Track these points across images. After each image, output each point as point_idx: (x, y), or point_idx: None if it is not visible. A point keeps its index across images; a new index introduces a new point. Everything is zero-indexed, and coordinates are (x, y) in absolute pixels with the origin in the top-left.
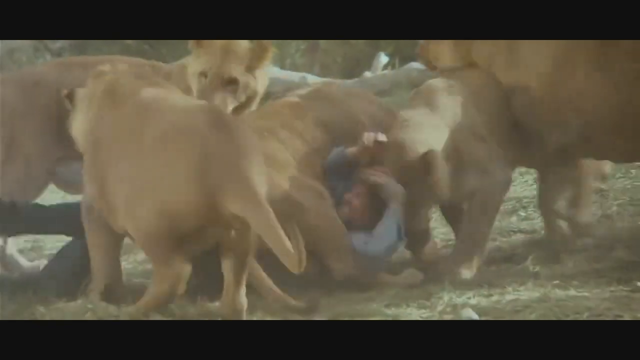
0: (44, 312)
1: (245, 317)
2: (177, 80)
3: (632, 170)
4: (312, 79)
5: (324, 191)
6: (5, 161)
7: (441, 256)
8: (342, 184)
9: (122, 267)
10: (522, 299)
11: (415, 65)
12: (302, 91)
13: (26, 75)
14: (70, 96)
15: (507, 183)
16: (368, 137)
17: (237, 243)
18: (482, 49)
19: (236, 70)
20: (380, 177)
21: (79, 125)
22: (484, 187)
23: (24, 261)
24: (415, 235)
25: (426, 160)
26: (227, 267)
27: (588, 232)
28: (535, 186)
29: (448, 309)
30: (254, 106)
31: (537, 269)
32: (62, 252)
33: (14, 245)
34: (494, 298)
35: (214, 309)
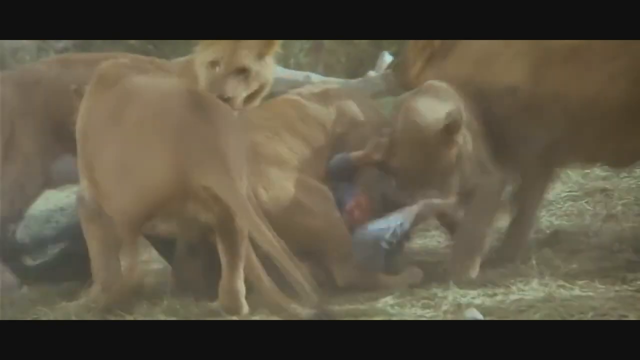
0: (47, 312)
1: (243, 303)
2: (180, 75)
3: (637, 170)
4: (316, 79)
5: (329, 193)
6: (4, 160)
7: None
8: (343, 187)
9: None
10: (526, 298)
11: None
12: (303, 91)
13: (26, 73)
14: (78, 92)
15: (504, 182)
16: (378, 143)
17: (225, 226)
18: (461, 61)
19: (247, 58)
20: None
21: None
22: (484, 185)
23: (28, 259)
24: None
25: (449, 122)
26: (221, 251)
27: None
28: None
29: (452, 309)
30: (264, 93)
31: (542, 268)
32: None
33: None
34: (498, 298)
35: (217, 309)
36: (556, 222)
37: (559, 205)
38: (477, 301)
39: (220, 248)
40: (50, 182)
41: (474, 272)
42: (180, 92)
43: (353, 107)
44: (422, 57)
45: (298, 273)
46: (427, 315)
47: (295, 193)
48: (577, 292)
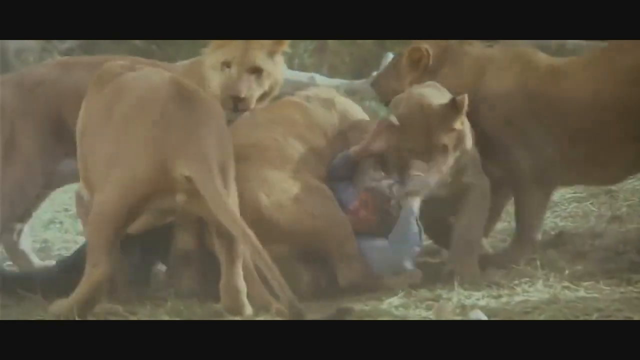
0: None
1: (245, 302)
2: (185, 78)
3: None
4: (321, 80)
5: (330, 192)
6: (5, 162)
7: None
8: (345, 186)
9: None
10: (531, 300)
11: None
12: (308, 93)
13: (27, 76)
14: None
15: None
16: (377, 130)
17: (220, 222)
18: (452, 75)
19: (260, 58)
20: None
21: None
22: (477, 186)
23: (35, 259)
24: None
25: (454, 105)
26: (217, 249)
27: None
28: None
29: (457, 310)
30: (275, 93)
31: (547, 270)
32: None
33: (27, 241)
34: (503, 299)
35: (221, 310)
36: (561, 224)
37: (563, 207)
38: (482, 302)
39: (217, 246)
40: (52, 184)
41: (476, 270)
42: (165, 83)
43: (356, 111)
44: (413, 74)
45: (274, 270)
46: (432, 316)
47: (297, 195)
48: (582, 293)
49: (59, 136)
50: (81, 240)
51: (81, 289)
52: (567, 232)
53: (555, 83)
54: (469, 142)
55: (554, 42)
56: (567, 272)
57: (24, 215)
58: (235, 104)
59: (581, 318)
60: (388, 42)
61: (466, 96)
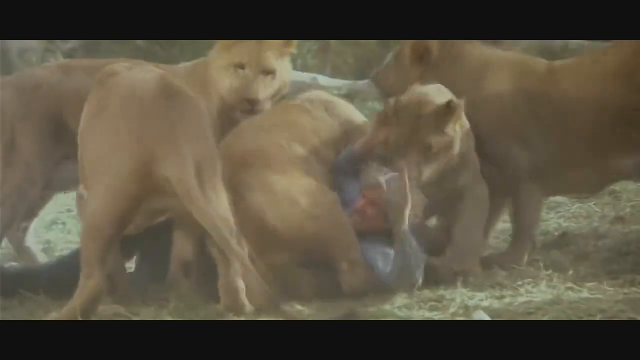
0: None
1: (244, 301)
2: (187, 80)
3: None
4: (324, 80)
5: (335, 196)
6: (4, 164)
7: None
8: (350, 181)
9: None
10: (534, 300)
11: None
12: (305, 96)
13: (27, 77)
14: None
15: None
16: (379, 114)
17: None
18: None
19: (273, 59)
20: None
21: None
22: (474, 189)
23: (39, 256)
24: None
25: (449, 108)
26: (209, 245)
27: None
28: None
29: (460, 311)
30: (282, 94)
31: (550, 270)
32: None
33: (32, 239)
34: (506, 300)
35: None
36: (564, 224)
37: (567, 207)
38: (485, 303)
39: (210, 245)
40: (53, 185)
41: (477, 269)
42: (149, 81)
43: (356, 114)
44: (416, 68)
45: (250, 266)
46: (435, 317)
47: (302, 202)
48: (585, 294)
49: (59, 138)
50: None
51: (75, 301)
52: (571, 233)
53: (553, 84)
54: (457, 148)
55: (557, 43)
56: (570, 272)
57: (29, 214)
58: (252, 106)
59: (584, 319)
60: (391, 42)
61: (462, 101)
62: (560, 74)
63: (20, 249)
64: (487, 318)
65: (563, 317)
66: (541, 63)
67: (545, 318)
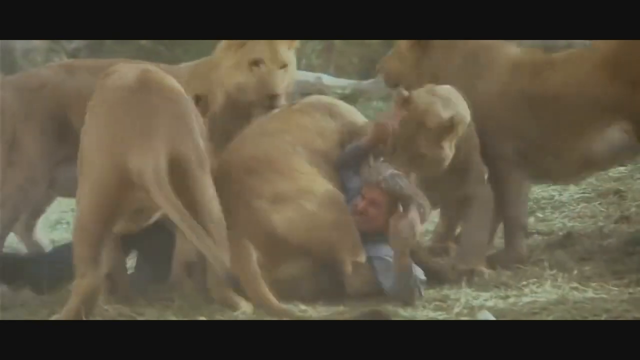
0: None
1: (232, 293)
2: (190, 80)
3: None
4: (328, 80)
5: (341, 197)
6: (7, 166)
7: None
8: (351, 175)
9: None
10: (539, 300)
11: None
12: (305, 100)
13: (30, 78)
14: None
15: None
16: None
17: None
18: (437, 61)
19: (286, 52)
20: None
21: None
22: (479, 194)
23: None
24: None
25: (450, 123)
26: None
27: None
28: (552, 187)
29: (465, 311)
30: (290, 88)
31: (555, 270)
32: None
33: (40, 234)
34: (511, 300)
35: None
36: (569, 224)
37: (572, 207)
38: (490, 303)
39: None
40: (56, 186)
41: (484, 269)
42: (132, 76)
43: (356, 114)
44: (413, 54)
45: (216, 251)
46: (440, 317)
47: (309, 207)
48: (590, 294)
49: (62, 138)
50: None
51: (73, 301)
52: (576, 233)
53: (543, 73)
54: (445, 166)
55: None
56: (575, 272)
57: (37, 211)
58: (273, 101)
59: (589, 319)
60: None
61: (461, 122)
62: (551, 64)
63: (30, 244)
64: (492, 318)
65: (568, 317)
66: (534, 53)
67: (550, 318)
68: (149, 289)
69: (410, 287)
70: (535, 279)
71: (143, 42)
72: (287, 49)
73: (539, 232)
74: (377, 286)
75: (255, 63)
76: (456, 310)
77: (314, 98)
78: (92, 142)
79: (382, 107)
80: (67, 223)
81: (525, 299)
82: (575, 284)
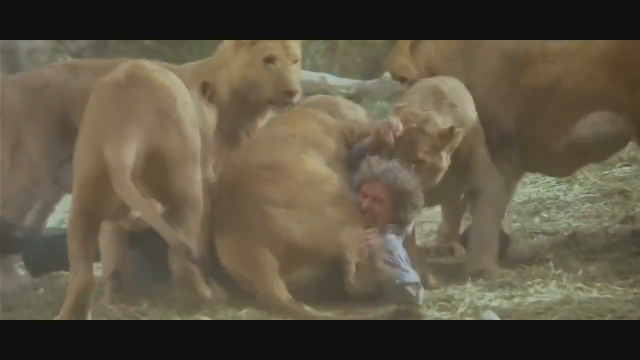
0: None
1: (197, 283)
2: (194, 79)
3: None
4: (332, 80)
5: (353, 198)
6: (10, 165)
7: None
8: (353, 174)
9: None
10: (544, 300)
11: None
12: (308, 101)
13: (34, 77)
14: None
15: (503, 183)
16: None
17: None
18: (439, 55)
19: (297, 47)
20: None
21: None
22: (488, 187)
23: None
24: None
25: (450, 132)
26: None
27: None
28: (557, 187)
29: (469, 311)
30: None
31: (560, 270)
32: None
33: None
34: (516, 300)
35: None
36: (574, 224)
37: (576, 207)
38: (494, 303)
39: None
40: (62, 184)
41: (494, 267)
42: (120, 71)
43: (361, 112)
44: (410, 49)
45: (177, 235)
46: (444, 317)
47: (327, 211)
48: (595, 294)
49: (66, 138)
50: None
51: (67, 300)
52: (581, 233)
53: (539, 63)
54: (439, 178)
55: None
56: (580, 272)
57: (47, 209)
58: (289, 97)
59: (594, 319)
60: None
61: (462, 130)
62: (545, 55)
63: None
64: (497, 318)
65: (573, 317)
66: (532, 43)
67: (554, 318)
68: (147, 288)
69: (398, 288)
70: (540, 279)
71: (147, 42)
72: (297, 45)
73: (544, 232)
74: (380, 283)
75: (270, 60)
76: (461, 310)
77: (314, 98)
78: (79, 137)
79: (386, 106)
80: None
81: (530, 299)
82: (580, 284)
